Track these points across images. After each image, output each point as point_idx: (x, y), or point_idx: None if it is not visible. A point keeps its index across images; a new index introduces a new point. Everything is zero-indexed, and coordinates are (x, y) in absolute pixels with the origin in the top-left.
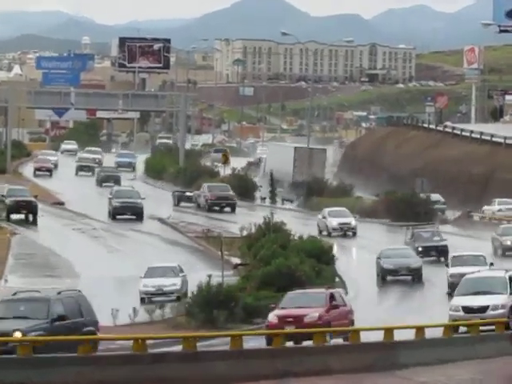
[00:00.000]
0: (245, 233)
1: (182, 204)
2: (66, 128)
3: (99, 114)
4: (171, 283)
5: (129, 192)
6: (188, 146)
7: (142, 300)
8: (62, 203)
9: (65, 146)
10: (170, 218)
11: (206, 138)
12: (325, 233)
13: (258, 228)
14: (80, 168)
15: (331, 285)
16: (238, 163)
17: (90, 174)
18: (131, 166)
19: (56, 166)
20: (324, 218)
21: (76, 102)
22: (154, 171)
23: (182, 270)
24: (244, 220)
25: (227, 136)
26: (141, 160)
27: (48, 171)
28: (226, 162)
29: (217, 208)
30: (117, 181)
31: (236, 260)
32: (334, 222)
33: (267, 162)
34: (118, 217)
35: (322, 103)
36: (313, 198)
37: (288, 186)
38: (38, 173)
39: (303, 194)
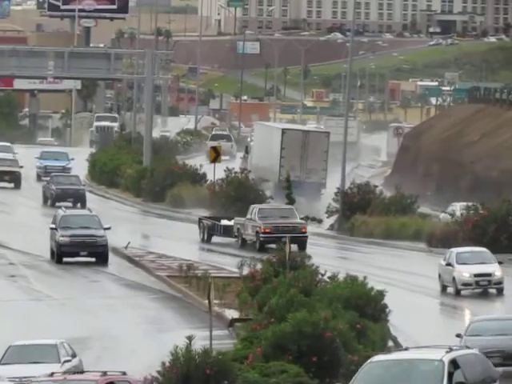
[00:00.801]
0: (246, 270)
1: (215, 239)
2: None
3: (18, 85)
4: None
5: (83, 219)
6: (157, 134)
7: None
8: None
9: None
10: (128, 248)
11: (184, 122)
12: (451, 289)
13: (266, 263)
14: None
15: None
16: (235, 160)
17: (13, 185)
18: (65, 173)
19: None
20: (449, 264)
21: None
22: (104, 174)
23: (71, 352)
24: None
25: (218, 118)
26: (82, 157)
27: None
28: (217, 158)
29: (275, 246)
30: (79, 199)
31: (232, 313)
32: (465, 273)
33: (253, 151)
34: (67, 259)
35: (367, 67)
36: (354, 216)
37: (273, 187)
38: None
39: (337, 210)
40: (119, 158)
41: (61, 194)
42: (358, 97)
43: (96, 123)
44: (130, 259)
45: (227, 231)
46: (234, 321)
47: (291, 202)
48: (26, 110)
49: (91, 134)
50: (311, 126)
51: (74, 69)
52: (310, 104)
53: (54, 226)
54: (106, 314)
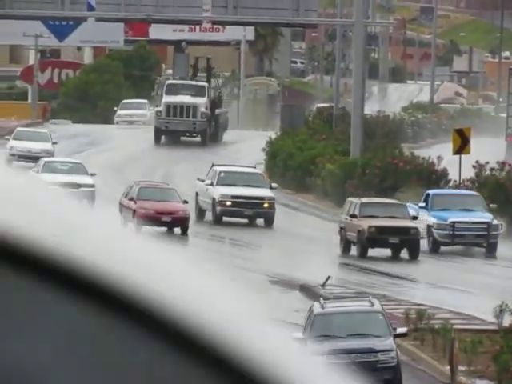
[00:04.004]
0: (508, 319)
1: None
2: (80, 65)
3: (156, 34)
4: None
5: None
6: (371, 109)
7: None
8: None
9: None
10: (326, 286)
11: (414, 92)
12: None
13: None
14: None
15: None
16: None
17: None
18: None
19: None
20: None
21: (100, 1)
22: (290, 171)
23: None
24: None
25: (466, 85)
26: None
27: None
28: (464, 147)
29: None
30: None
31: None
32: None
33: None
34: None
35: None
36: None
37: None
38: None
39: None
40: (313, 146)
41: None
42: None
43: (166, 98)
44: None
45: None
46: None
47: None
48: (170, 72)
49: (156, 118)
50: None
51: (244, 9)
52: None
53: None
54: None
